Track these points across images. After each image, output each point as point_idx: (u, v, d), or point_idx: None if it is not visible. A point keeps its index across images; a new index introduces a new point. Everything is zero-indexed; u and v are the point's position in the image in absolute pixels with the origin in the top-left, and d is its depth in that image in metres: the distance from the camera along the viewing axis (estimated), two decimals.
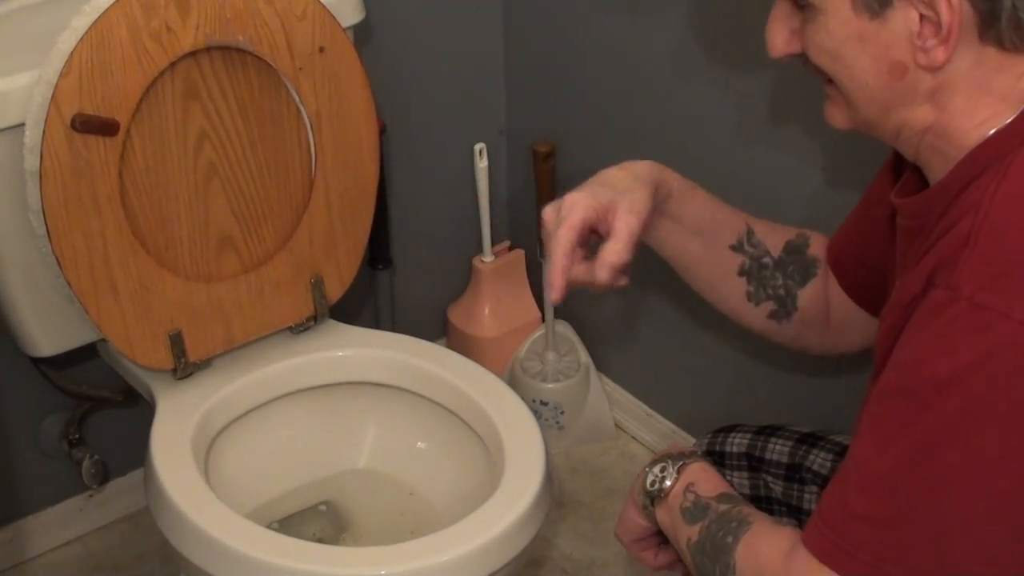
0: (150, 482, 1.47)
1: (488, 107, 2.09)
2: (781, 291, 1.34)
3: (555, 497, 2.00)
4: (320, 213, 1.61)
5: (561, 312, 2.15)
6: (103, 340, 1.54)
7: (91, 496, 1.95)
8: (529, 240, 2.14)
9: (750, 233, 1.33)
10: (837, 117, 1.09)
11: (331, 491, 1.66)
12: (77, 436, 1.84)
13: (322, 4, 1.51)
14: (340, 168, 1.60)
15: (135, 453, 1.65)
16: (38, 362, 1.71)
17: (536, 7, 1.99)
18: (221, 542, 1.36)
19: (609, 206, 1.18)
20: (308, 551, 1.36)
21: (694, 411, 2.06)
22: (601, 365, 2.17)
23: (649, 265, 2.00)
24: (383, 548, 1.39)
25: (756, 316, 1.36)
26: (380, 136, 1.64)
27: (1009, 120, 0.99)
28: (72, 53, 1.34)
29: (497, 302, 2.15)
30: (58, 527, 1.93)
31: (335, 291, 1.66)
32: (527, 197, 2.08)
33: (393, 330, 1.96)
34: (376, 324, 2.04)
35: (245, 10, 1.44)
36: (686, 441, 2.00)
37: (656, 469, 1.19)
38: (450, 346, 2.17)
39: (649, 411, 2.13)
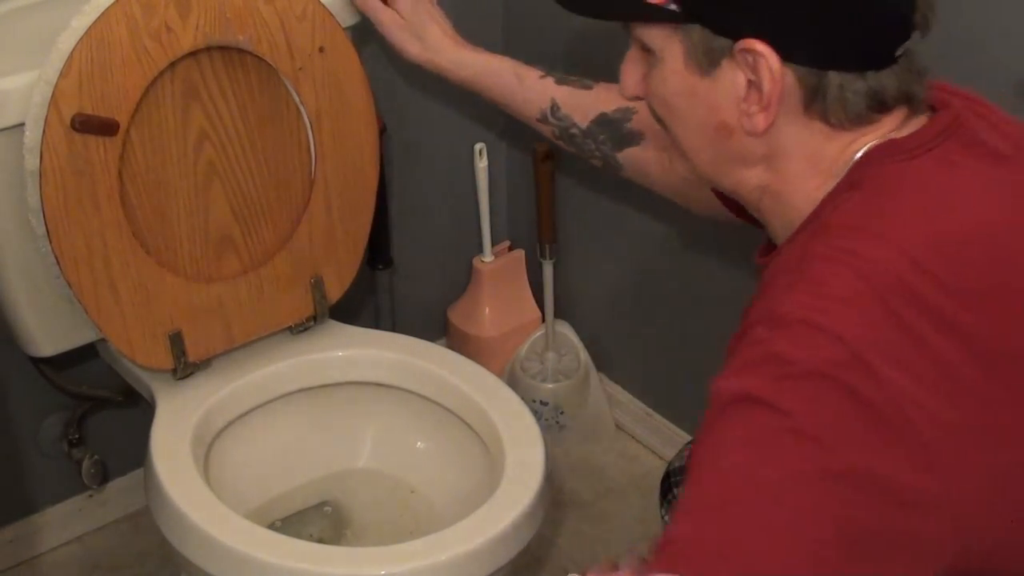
0: (150, 482, 1.47)
1: (488, 107, 2.08)
2: (598, 153, 1.44)
3: (555, 497, 2.00)
4: (320, 213, 1.61)
5: (561, 312, 2.16)
6: (103, 340, 1.54)
7: (91, 496, 1.95)
8: (529, 240, 2.14)
9: (554, 107, 1.44)
10: (680, 166, 1.10)
11: (331, 491, 1.66)
12: (77, 436, 1.84)
13: (322, 4, 1.51)
14: (340, 168, 1.60)
15: (135, 453, 1.65)
16: (38, 362, 1.70)
17: (536, 7, 1.99)
18: (221, 542, 1.36)
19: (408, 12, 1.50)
20: (308, 551, 1.37)
21: (694, 411, 2.04)
22: (601, 365, 2.17)
23: (649, 265, 2.00)
24: (383, 548, 1.39)
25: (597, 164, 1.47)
26: (380, 136, 1.64)
27: (832, 187, 0.99)
28: (72, 53, 1.34)
29: (497, 302, 2.15)
30: (58, 527, 1.93)
31: (335, 291, 1.66)
32: (527, 197, 2.08)
33: (393, 330, 1.96)
34: (376, 324, 2.04)
35: (245, 10, 1.44)
36: (684, 440, 2.00)
37: None
38: (450, 346, 2.16)
39: (649, 411, 2.13)
